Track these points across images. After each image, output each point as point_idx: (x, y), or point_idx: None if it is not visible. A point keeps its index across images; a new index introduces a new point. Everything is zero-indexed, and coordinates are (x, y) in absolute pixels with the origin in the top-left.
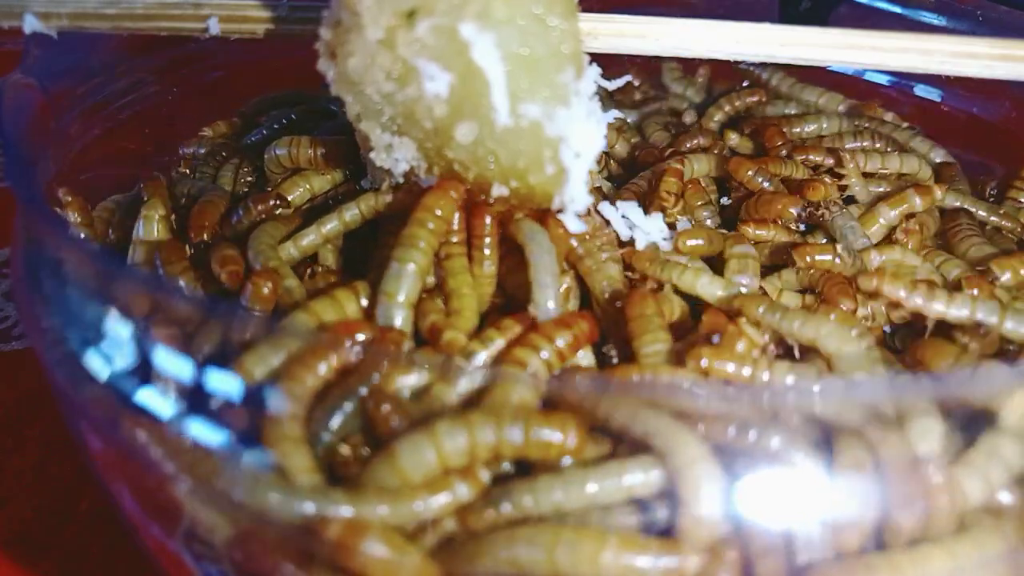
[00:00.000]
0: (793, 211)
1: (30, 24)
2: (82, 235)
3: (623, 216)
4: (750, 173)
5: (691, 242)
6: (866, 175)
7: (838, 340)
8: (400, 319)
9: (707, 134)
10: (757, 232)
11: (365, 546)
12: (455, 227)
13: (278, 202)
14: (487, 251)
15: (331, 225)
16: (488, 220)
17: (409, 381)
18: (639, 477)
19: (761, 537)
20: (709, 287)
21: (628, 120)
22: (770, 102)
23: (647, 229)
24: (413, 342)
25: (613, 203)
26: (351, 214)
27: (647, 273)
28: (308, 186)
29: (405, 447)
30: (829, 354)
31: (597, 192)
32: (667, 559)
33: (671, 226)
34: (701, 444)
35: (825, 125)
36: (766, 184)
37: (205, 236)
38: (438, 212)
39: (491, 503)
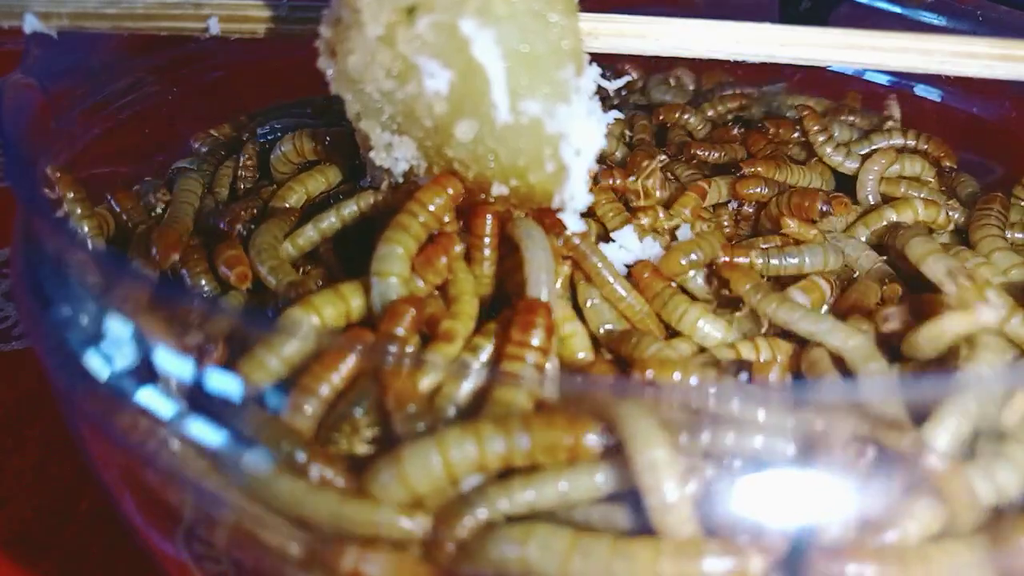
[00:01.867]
0: (820, 206)
1: (30, 24)
2: (78, 210)
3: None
4: (752, 191)
5: (684, 260)
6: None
7: (801, 320)
8: (396, 295)
9: (724, 145)
10: (800, 229)
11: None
12: (449, 219)
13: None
14: (487, 251)
15: (329, 222)
16: (489, 220)
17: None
18: (609, 476)
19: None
20: (710, 331)
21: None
22: (756, 104)
23: (642, 256)
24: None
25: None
26: (349, 211)
27: (652, 307)
28: (324, 178)
29: (411, 453)
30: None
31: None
32: (727, 560)
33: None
34: (658, 430)
35: (837, 133)
36: (764, 191)
37: (172, 259)
38: (431, 207)
39: (466, 507)
